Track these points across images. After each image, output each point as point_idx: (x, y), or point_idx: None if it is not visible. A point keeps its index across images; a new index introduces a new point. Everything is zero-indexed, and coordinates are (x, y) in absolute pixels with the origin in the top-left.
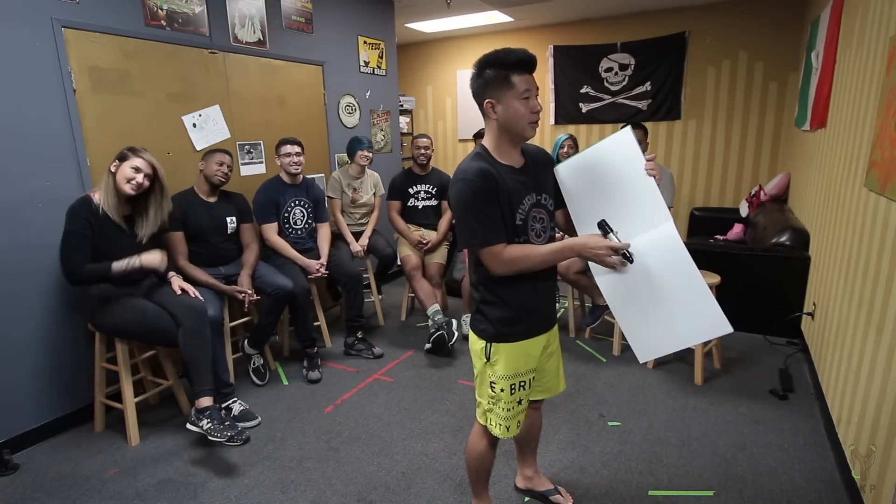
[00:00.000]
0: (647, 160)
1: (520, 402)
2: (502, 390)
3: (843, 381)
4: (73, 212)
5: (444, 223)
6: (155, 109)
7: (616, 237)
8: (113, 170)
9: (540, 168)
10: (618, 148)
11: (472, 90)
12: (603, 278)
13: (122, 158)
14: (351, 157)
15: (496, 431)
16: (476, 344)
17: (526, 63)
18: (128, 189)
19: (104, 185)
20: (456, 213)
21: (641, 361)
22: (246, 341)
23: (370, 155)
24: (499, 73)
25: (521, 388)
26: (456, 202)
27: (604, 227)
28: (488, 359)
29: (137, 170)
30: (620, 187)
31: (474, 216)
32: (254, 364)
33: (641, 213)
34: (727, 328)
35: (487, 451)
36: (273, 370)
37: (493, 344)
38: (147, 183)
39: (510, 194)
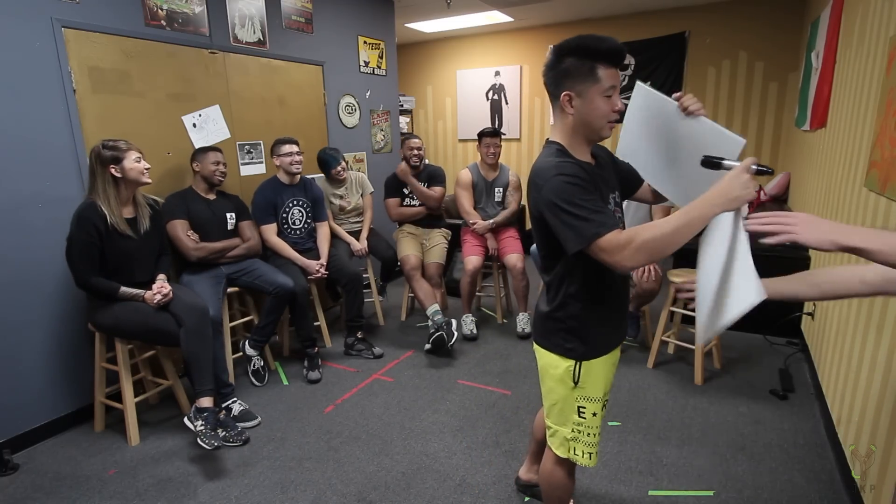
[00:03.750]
0: (678, 98)
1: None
2: (594, 414)
3: (843, 381)
4: (79, 218)
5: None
6: (155, 109)
7: (732, 162)
8: (119, 174)
9: (607, 166)
10: (645, 103)
11: (547, 79)
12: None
13: (116, 160)
14: (327, 175)
15: (583, 461)
16: (558, 367)
17: (617, 55)
18: (147, 179)
19: (110, 198)
20: (556, 214)
21: (702, 342)
22: (247, 342)
23: (343, 168)
24: (583, 64)
25: (606, 406)
26: (553, 200)
27: (712, 162)
28: (576, 382)
29: (139, 159)
30: (673, 135)
31: (582, 208)
32: (253, 366)
33: (710, 150)
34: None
35: (567, 478)
36: (273, 370)
37: (584, 363)
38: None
39: (600, 191)
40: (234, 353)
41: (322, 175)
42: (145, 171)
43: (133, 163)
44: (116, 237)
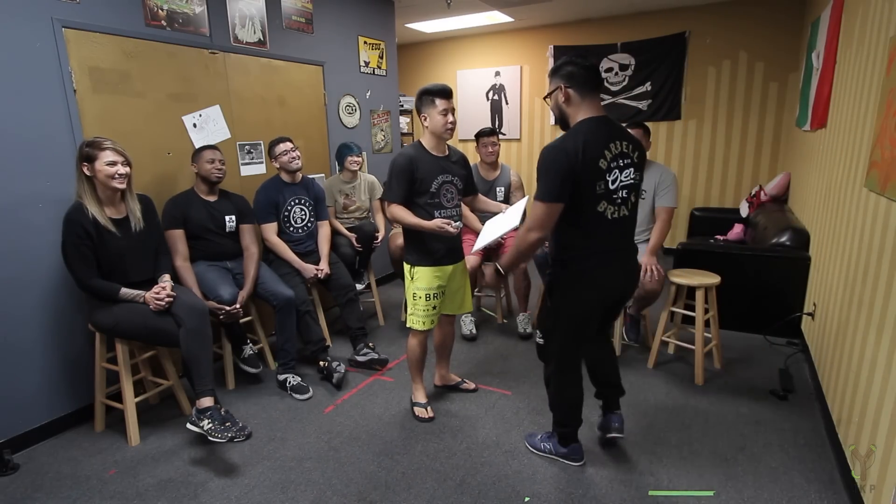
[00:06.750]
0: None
1: (434, 308)
2: (423, 299)
3: (843, 381)
4: (68, 222)
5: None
6: (155, 109)
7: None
8: (88, 173)
9: (457, 162)
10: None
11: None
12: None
13: (89, 159)
14: (340, 164)
15: (417, 326)
16: (407, 270)
17: (443, 92)
18: (117, 185)
19: (87, 195)
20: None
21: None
22: (277, 375)
23: (359, 160)
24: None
25: (434, 298)
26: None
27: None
28: (412, 278)
29: (113, 163)
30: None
31: (392, 180)
32: (290, 385)
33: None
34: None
35: (416, 344)
36: (273, 369)
37: (415, 267)
38: (128, 169)
39: (434, 172)
40: (235, 354)
41: (322, 175)
42: (118, 175)
43: (104, 165)
44: (106, 237)
